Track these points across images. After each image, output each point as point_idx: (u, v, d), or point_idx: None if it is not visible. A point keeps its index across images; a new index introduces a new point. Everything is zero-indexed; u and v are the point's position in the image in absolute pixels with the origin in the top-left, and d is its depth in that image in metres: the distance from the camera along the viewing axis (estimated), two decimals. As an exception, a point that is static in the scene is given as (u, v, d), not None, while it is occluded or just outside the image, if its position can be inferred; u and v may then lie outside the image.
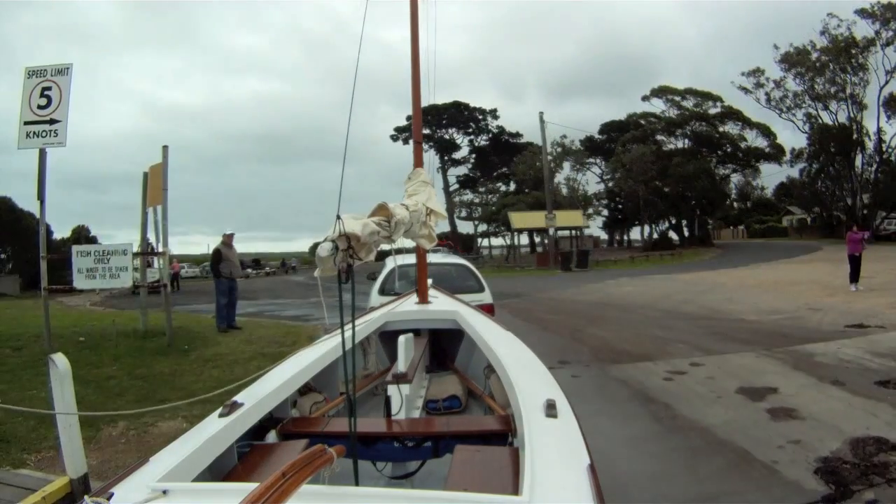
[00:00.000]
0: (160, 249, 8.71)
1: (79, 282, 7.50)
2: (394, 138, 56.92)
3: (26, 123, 7.53)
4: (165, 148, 8.45)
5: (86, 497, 1.25)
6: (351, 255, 1.82)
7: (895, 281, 15.61)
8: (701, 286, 18.10)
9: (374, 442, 2.31)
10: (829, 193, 43.69)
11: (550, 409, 1.83)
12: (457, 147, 58.85)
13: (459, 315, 3.88)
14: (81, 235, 30.86)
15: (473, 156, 59.47)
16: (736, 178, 57.53)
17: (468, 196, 59.77)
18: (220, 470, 1.84)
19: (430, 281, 4.74)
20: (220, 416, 1.94)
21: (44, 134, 7.52)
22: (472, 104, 57.08)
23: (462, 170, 60.23)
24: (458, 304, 4.46)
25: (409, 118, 51.46)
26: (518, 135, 57.33)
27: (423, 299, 4.46)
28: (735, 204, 62.57)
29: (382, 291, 6.84)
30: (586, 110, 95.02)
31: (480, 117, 57.99)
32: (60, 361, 3.25)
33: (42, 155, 7.59)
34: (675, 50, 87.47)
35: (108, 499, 1.31)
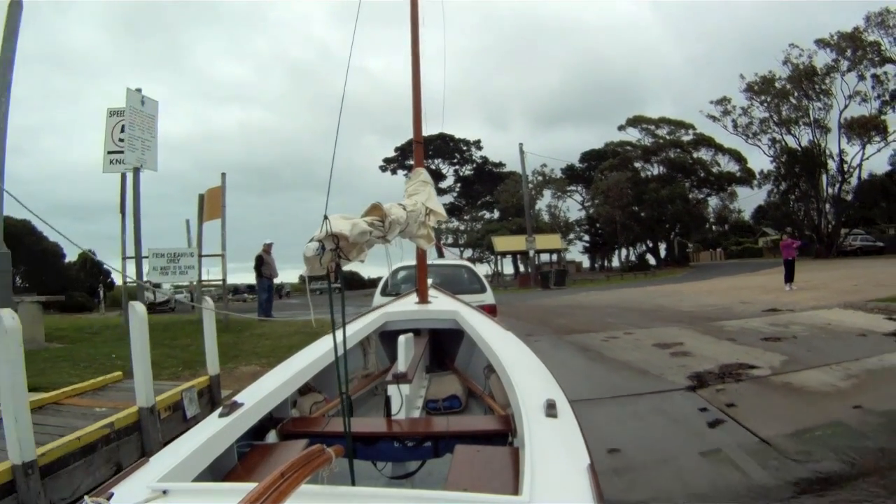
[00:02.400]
0: (220, 253, 10.95)
1: (153, 276, 9.51)
2: (382, 169, 58.14)
3: (109, 153, 9.63)
4: (223, 175, 10.95)
5: (86, 497, 1.26)
6: (339, 256, 1.84)
7: (830, 283, 17.34)
8: (660, 293, 20.13)
9: (374, 442, 2.31)
10: (799, 214, 45.53)
11: (550, 409, 1.83)
12: (442, 177, 59.95)
13: (459, 315, 3.87)
14: (87, 260, 31.86)
15: (458, 185, 61.04)
16: (714, 203, 59.62)
17: (454, 224, 61.05)
18: (220, 470, 1.85)
19: (430, 281, 4.82)
20: (220, 415, 1.94)
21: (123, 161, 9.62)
22: (456, 135, 58.66)
23: (448, 199, 60.92)
24: (458, 303, 4.45)
25: (397, 149, 53.06)
26: (501, 164, 59.00)
27: (423, 299, 4.46)
28: (713, 227, 64.41)
29: (385, 292, 7.01)
30: (572, 138, 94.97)
31: (465, 148, 59.77)
32: (208, 303, 5.30)
33: (124, 178, 9.75)
34: (658, 77, 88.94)
35: (108, 499, 1.32)
